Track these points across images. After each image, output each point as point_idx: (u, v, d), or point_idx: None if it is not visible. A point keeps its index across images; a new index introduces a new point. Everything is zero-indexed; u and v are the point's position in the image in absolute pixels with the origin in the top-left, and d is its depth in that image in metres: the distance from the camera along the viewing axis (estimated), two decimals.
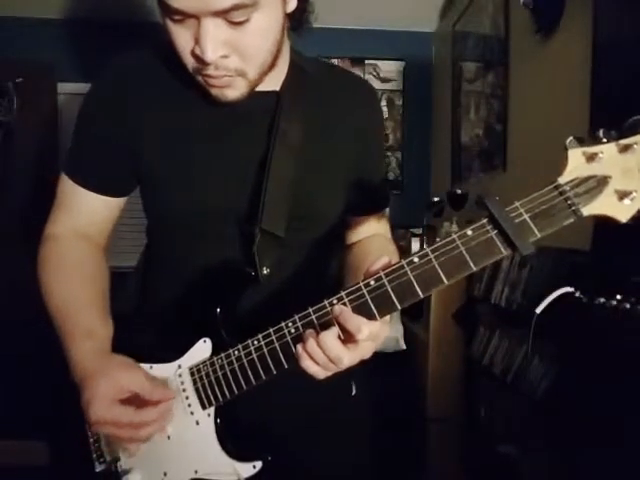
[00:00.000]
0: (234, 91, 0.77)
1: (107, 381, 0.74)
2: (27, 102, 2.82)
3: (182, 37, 0.73)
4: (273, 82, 0.85)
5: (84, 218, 0.89)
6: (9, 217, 2.81)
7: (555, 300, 1.26)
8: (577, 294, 1.24)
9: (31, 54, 2.90)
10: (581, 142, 0.58)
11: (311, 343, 0.65)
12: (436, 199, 2.64)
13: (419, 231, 2.73)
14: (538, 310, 1.27)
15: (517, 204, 0.59)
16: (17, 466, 2.24)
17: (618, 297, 1.14)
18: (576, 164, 0.58)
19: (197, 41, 0.71)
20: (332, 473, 0.91)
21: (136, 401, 0.75)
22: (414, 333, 2.51)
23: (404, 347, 2.49)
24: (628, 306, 1.12)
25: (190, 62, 0.75)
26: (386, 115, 3.24)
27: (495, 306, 1.87)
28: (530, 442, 1.53)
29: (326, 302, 0.68)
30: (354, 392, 0.96)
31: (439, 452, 2.27)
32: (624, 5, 1.38)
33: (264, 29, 0.74)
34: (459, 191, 2.48)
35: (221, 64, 0.73)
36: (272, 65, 0.80)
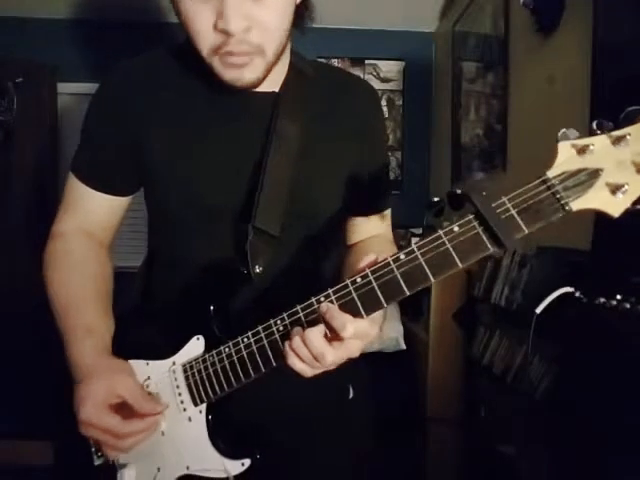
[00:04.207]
0: (251, 72, 0.77)
1: (101, 383, 0.76)
2: (27, 102, 2.82)
3: (203, 13, 0.73)
4: (272, 83, 0.86)
5: (89, 217, 0.91)
6: (9, 217, 2.81)
7: (555, 300, 1.26)
8: (577, 294, 1.23)
9: (31, 54, 2.89)
10: (569, 130, 0.56)
11: (297, 340, 0.66)
12: (436, 199, 2.64)
13: (419, 231, 2.73)
14: (538, 310, 1.27)
15: (504, 199, 0.58)
16: (19, 466, 2.24)
17: (618, 297, 1.14)
18: (566, 157, 0.56)
19: (220, 15, 0.72)
20: (325, 471, 0.91)
21: (125, 410, 0.76)
22: (414, 333, 2.51)
23: (404, 347, 2.49)
24: (628, 306, 1.12)
25: (209, 41, 0.74)
26: (386, 115, 3.24)
27: (495, 306, 1.87)
28: (530, 442, 1.53)
29: (313, 300, 0.68)
30: (351, 395, 0.96)
31: (439, 452, 2.27)
32: (624, 5, 1.38)
33: (282, 7, 0.76)
34: (459, 191, 2.48)
35: (243, 38, 0.73)
36: (279, 57, 0.81)
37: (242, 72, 0.77)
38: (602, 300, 1.16)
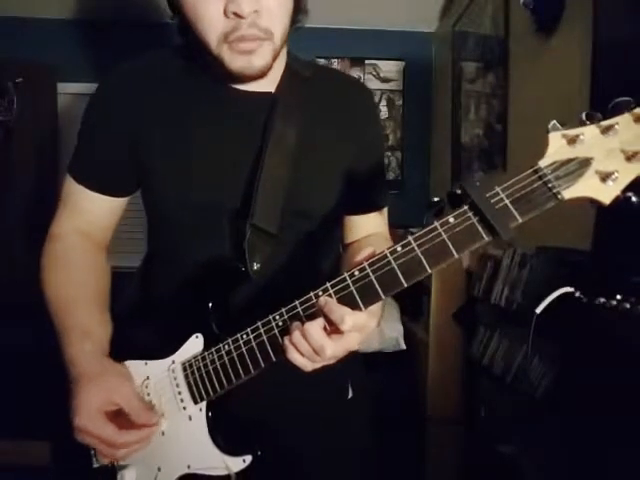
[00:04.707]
0: (260, 59, 0.78)
1: (98, 390, 0.76)
2: (27, 102, 2.82)
3: (212, 1, 0.74)
4: (269, 84, 0.87)
5: (87, 218, 0.91)
6: (9, 216, 2.81)
7: (555, 300, 1.26)
8: (577, 294, 1.23)
9: (31, 54, 2.90)
10: (564, 126, 0.58)
11: (296, 334, 0.66)
12: (436, 199, 2.64)
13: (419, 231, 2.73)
14: (538, 310, 1.27)
15: (498, 189, 0.59)
16: (15, 466, 2.24)
17: (618, 297, 1.13)
18: (556, 147, 0.57)
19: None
20: (326, 470, 0.91)
21: (121, 418, 0.77)
22: (414, 333, 2.51)
23: (404, 347, 2.49)
24: (628, 306, 1.12)
25: (219, 28, 0.75)
26: (386, 115, 3.24)
27: (495, 306, 1.87)
28: (530, 442, 1.53)
29: (312, 294, 0.69)
30: (350, 395, 0.96)
31: (439, 452, 2.27)
32: (624, 5, 1.38)
33: None
34: (459, 191, 2.48)
35: (253, 21, 0.75)
36: (280, 50, 0.83)
37: (251, 59, 0.78)
38: (602, 300, 1.16)
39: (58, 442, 0.91)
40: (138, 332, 0.86)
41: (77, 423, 0.75)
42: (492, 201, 0.59)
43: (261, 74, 0.81)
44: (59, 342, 0.82)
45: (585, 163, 0.56)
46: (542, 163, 0.57)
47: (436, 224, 0.62)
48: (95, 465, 0.84)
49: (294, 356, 0.67)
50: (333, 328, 0.65)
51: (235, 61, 0.78)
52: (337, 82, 0.96)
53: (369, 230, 0.99)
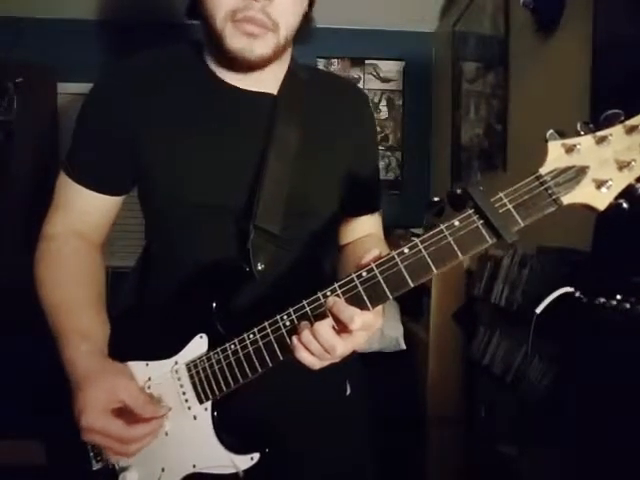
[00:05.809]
0: (262, 47, 0.79)
1: (101, 388, 0.75)
2: (27, 102, 2.82)
3: None
4: (271, 85, 0.88)
5: (81, 217, 0.90)
6: (9, 217, 2.81)
7: (555, 300, 1.26)
8: (577, 294, 1.24)
9: (31, 54, 2.90)
10: (562, 135, 0.61)
11: (306, 334, 0.67)
12: (436, 199, 2.64)
13: (419, 231, 2.73)
14: (538, 310, 1.27)
15: (501, 194, 0.62)
16: (14, 466, 2.24)
17: (618, 297, 1.14)
18: (556, 155, 0.61)
19: None
20: (328, 468, 0.92)
21: (128, 414, 0.76)
22: (414, 333, 2.51)
23: (404, 347, 2.49)
24: (628, 306, 1.12)
25: (230, 5, 0.76)
26: (386, 115, 3.24)
27: (495, 306, 1.87)
28: (530, 442, 1.53)
29: (320, 294, 0.70)
30: (348, 392, 0.97)
31: (439, 452, 2.27)
32: (624, 5, 1.38)
33: None
34: (459, 191, 2.48)
35: (264, 7, 0.77)
36: (283, 51, 0.84)
37: (253, 43, 0.79)
38: (602, 300, 1.16)
39: (55, 445, 0.91)
40: (138, 333, 0.86)
41: (84, 423, 0.74)
42: (496, 206, 0.62)
43: (257, 63, 0.82)
44: (56, 344, 0.81)
45: (582, 171, 0.60)
46: (543, 170, 0.61)
47: (442, 227, 0.65)
48: (95, 467, 0.84)
49: (303, 355, 0.68)
50: (341, 327, 0.66)
51: (236, 41, 0.78)
52: (336, 85, 0.98)
53: (365, 231, 1.00)
